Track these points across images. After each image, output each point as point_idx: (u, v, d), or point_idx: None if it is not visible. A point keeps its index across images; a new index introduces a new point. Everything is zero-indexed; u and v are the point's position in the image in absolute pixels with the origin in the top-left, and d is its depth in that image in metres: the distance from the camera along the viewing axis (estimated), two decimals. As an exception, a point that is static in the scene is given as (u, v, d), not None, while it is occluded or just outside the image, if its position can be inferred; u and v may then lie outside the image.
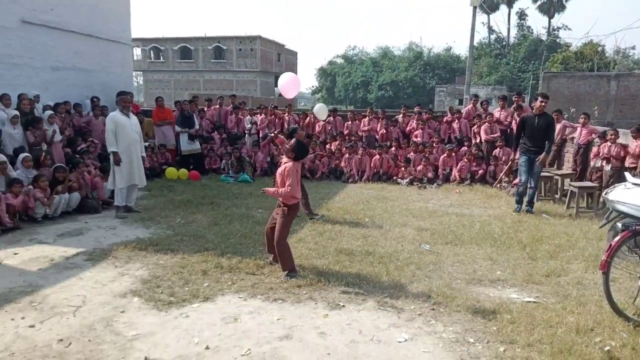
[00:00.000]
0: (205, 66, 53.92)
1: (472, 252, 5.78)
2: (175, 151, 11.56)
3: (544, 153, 7.74)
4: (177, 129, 11.29)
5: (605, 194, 5.95)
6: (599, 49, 35.81)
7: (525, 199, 8.00)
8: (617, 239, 3.95)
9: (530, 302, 4.37)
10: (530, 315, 3.99)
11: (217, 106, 13.00)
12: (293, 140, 4.94)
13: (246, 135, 12.32)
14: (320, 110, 6.78)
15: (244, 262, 5.15)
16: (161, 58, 55.30)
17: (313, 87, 59.04)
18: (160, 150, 11.29)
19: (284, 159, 4.96)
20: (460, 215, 7.79)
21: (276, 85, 54.24)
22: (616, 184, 6.06)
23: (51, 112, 9.12)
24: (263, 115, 12.43)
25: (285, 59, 59.73)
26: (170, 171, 10.61)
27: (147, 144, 11.28)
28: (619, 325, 3.80)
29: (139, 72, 58.21)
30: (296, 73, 64.22)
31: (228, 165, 11.08)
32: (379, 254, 5.60)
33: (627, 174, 6.32)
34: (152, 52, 55.54)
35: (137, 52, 54.62)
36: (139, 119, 11.79)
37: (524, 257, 5.63)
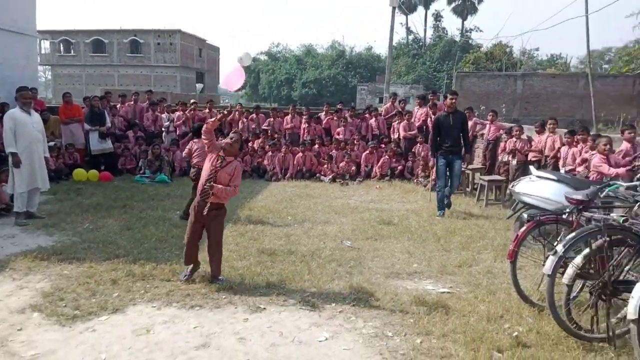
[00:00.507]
0: (121, 60, 51.24)
1: (390, 247, 5.92)
2: (85, 151, 10.80)
3: (467, 154, 7.83)
4: (87, 127, 10.55)
5: (511, 187, 6.35)
6: (507, 49, 38.38)
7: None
8: (523, 229, 4.18)
9: (444, 292, 4.53)
10: (444, 306, 4.12)
11: (132, 103, 12.33)
12: (236, 136, 4.62)
13: (164, 134, 11.80)
14: (246, 57, 6.63)
15: (159, 269, 4.88)
16: (72, 51, 51.80)
17: (236, 83, 58.01)
18: (68, 150, 10.50)
19: (227, 156, 4.50)
20: (380, 211, 7.96)
21: (197, 82, 53.01)
22: (522, 177, 6.48)
23: None
24: (181, 112, 11.96)
25: (207, 55, 58.23)
26: (79, 172, 9.88)
27: (52, 143, 10.47)
28: (525, 311, 4.03)
29: (47, 67, 54.11)
30: (218, 69, 62.94)
31: (144, 164, 10.53)
32: (301, 252, 5.56)
33: (531, 168, 6.79)
34: (61, 45, 51.84)
35: (45, 45, 50.79)
36: (44, 117, 10.98)
37: (439, 249, 5.85)
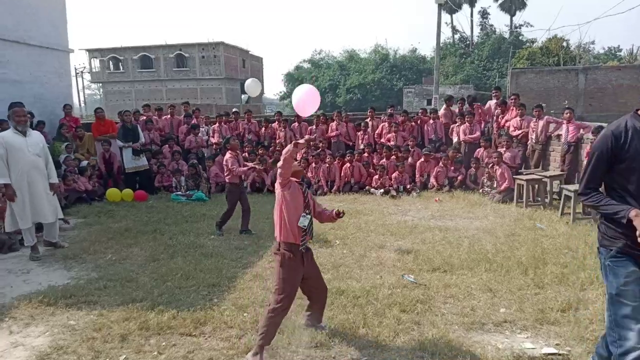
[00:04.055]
0: (168, 75, 52.15)
1: (465, 281, 4.74)
2: (120, 169, 10.22)
3: None
4: (119, 143, 9.93)
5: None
6: (564, 43, 35.84)
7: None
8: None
9: (551, 354, 3.34)
10: (558, 381, 2.95)
11: (169, 116, 11.71)
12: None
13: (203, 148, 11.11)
14: (252, 86, 5.62)
15: (179, 318, 3.95)
16: (121, 68, 53.25)
17: (280, 92, 57.86)
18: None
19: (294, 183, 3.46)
20: (445, 230, 6.78)
21: (242, 92, 53.18)
22: None
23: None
24: (217, 125, 11.21)
25: (251, 65, 58.42)
26: (112, 192, 9.26)
27: (87, 162, 9.98)
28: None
29: (99, 84, 55.96)
30: (263, 78, 62.94)
31: (180, 182, 9.81)
32: (353, 291, 4.49)
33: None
34: (111, 63, 53.44)
35: (96, 63, 52.54)
36: (79, 134, 10.54)
37: (529, 285, 4.61)
